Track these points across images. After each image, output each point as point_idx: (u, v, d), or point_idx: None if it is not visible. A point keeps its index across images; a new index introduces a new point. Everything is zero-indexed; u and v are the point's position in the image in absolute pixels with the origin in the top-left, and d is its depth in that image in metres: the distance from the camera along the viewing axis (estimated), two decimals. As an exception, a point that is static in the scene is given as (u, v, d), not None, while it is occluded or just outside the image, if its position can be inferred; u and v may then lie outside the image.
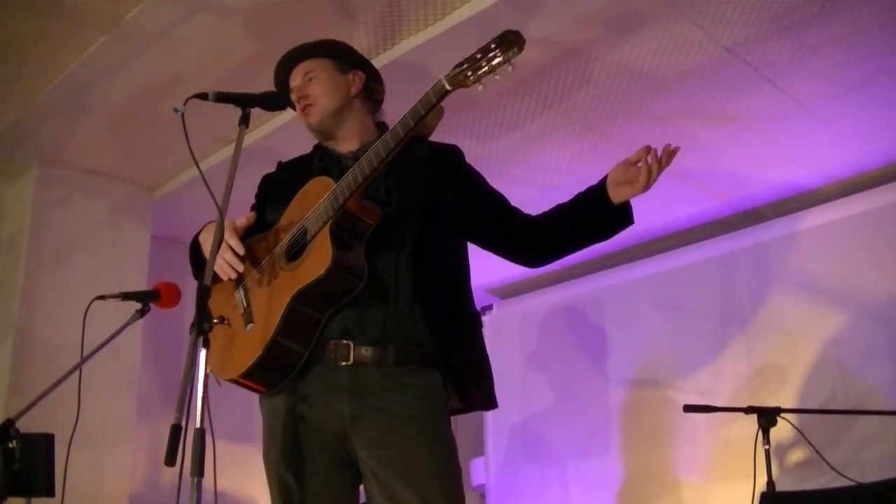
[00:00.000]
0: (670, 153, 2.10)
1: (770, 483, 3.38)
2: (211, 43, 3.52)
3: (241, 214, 2.38)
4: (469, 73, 1.89)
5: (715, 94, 3.87)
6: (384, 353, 2.06)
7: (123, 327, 2.52)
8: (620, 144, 4.21)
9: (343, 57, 2.34)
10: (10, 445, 2.29)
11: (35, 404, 2.40)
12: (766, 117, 4.03)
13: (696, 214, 4.94)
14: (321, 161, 2.30)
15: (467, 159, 2.35)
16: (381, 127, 2.33)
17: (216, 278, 2.14)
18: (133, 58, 3.62)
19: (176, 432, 1.66)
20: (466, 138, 4.08)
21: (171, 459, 1.65)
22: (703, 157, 4.35)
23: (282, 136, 4.03)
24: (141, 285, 4.32)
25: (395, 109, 2.29)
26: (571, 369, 5.32)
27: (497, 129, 4.13)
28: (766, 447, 3.43)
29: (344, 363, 2.05)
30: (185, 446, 1.66)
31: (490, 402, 2.20)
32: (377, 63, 3.39)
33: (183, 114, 2.05)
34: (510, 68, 1.89)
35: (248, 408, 2.63)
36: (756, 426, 3.46)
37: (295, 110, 2.34)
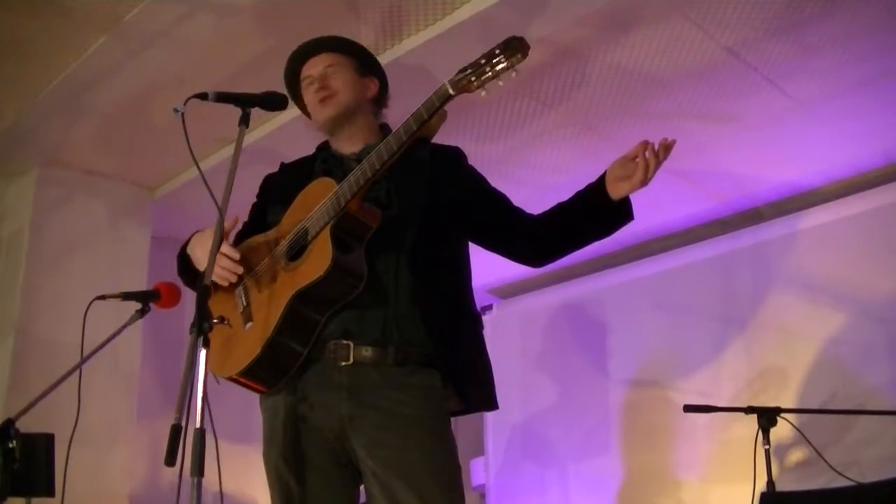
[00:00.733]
0: (667, 146, 2.10)
1: (770, 483, 3.38)
2: (211, 43, 3.52)
3: (241, 214, 2.38)
4: (473, 79, 1.89)
5: (715, 94, 3.87)
6: (384, 353, 2.06)
7: (123, 327, 2.52)
8: (620, 144, 4.19)
9: (364, 61, 2.35)
10: (10, 445, 2.29)
11: (35, 404, 2.40)
12: (766, 117, 4.03)
13: (696, 214, 4.94)
14: (324, 162, 2.31)
15: (468, 159, 2.35)
16: (384, 129, 2.34)
17: (216, 284, 2.15)
18: (133, 58, 3.62)
19: (176, 432, 1.67)
20: (466, 138, 4.08)
21: (171, 459, 1.65)
22: (703, 157, 4.35)
23: (282, 136, 4.03)
24: (141, 285, 4.32)
25: (397, 109, 2.30)
26: (571, 369, 5.32)
27: (497, 130, 4.13)
28: (766, 447, 3.43)
29: (343, 363, 2.06)
30: (185, 446, 1.66)
31: (490, 404, 2.20)
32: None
33: (183, 114, 2.05)
34: (514, 74, 1.89)
35: (248, 407, 2.63)
36: (756, 426, 3.46)
37: (294, 101, 2.34)
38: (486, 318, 5.72)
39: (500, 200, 2.33)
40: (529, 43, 1.90)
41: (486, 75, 1.89)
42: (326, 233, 2.03)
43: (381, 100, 2.37)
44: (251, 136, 3.97)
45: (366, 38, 3.47)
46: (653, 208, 4.88)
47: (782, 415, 3.48)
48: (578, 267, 5.46)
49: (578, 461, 5.15)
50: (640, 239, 5.19)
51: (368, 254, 2.08)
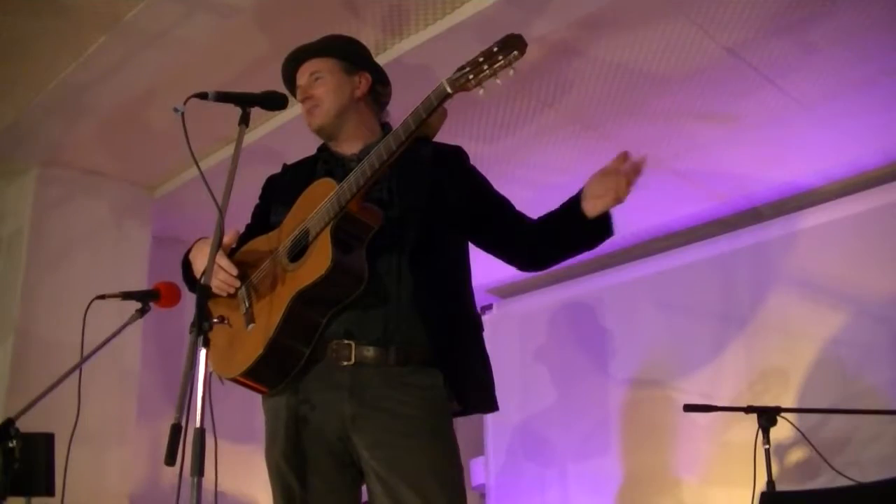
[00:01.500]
0: (636, 164, 2.09)
1: (770, 483, 3.38)
2: (211, 43, 3.52)
3: (242, 214, 2.38)
4: (471, 77, 1.89)
5: (715, 94, 3.87)
6: (385, 353, 2.06)
7: (123, 327, 2.52)
8: (620, 144, 4.20)
9: (351, 57, 2.33)
10: (10, 445, 2.29)
11: (35, 404, 2.40)
12: (766, 117, 4.03)
13: (696, 214, 4.94)
14: (325, 163, 2.30)
15: (469, 159, 2.35)
16: (385, 128, 2.33)
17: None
18: (133, 58, 3.62)
19: (176, 432, 1.67)
20: (467, 138, 4.08)
21: (171, 459, 1.65)
22: (704, 157, 4.35)
23: (282, 136, 4.03)
24: (141, 285, 4.32)
25: (398, 108, 2.29)
26: (571, 369, 5.32)
27: (497, 129, 4.13)
28: (766, 447, 3.43)
29: (345, 363, 2.06)
30: (185, 446, 1.66)
31: (489, 406, 2.20)
32: (380, 61, 3.40)
33: (183, 114, 2.05)
34: (511, 72, 1.89)
35: (248, 407, 2.64)
36: (756, 426, 3.46)
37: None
38: (486, 318, 5.70)
39: (501, 203, 2.32)
40: (530, 42, 1.90)
41: (484, 73, 1.88)
42: (327, 234, 2.03)
43: (376, 94, 2.34)
44: (251, 136, 3.97)
45: (366, 38, 3.47)
46: (653, 208, 4.88)
47: (782, 415, 3.48)
48: (578, 267, 5.46)
49: (578, 461, 5.15)
50: (640, 239, 5.19)
51: (370, 254, 2.08)
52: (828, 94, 3.85)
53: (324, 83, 2.27)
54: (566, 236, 2.23)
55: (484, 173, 2.37)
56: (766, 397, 4.25)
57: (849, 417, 3.87)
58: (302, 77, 2.31)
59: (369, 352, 2.06)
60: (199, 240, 2.29)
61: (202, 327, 1.81)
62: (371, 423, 2.03)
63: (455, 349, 2.11)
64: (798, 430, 3.63)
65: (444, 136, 2.33)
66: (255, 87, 2.25)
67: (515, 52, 1.86)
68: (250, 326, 2.13)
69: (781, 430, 3.59)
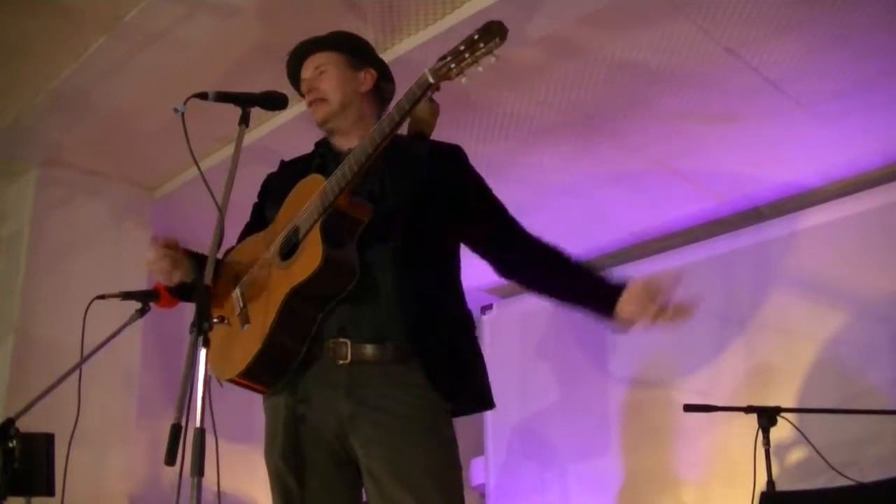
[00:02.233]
0: (685, 309, 2.12)
1: (770, 483, 3.38)
2: (211, 43, 3.52)
3: (242, 214, 2.38)
4: (452, 66, 1.88)
5: (715, 94, 3.87)
6: (382, 350, 2.05)
7: (123, 327, 2.52)
8: (620, 144, 4.21)
9: (357, 53, 2.33)
10: (10, 445, 2.30)
11: (35, 404, 2.41)
12: (766, 117, 4.03)
13: (696, 214, 4.94)
14: (321, 158, 2.30)
15: (468, 158, 2.34)
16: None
17: (213, 287, 2.13)
18: (133, 58, 3.62)
19: (176, 432, 1.67)
20: (466, 138, 4.08)
21: (171, 459, 1.65)
22: (703, 157, 4.35)
23: (282, 135, 4.03)
24: (141, 285, 4.30)
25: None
26: (571, 369, 5.31)
27: (497, 129, 4.13)
28: (766, 447, 3.43)
29: (342, 361, 2.05)
30: (185, 446, 1.66)
31: (482, 404, 2.17)
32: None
33: (183, 114, 2.05)
34: (493, 59, 1.87)
35: (249, 407, 2.63)
36: (756, 426, 3.46)
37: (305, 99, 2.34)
38: (486, 318, 5.78)
39: (495, 204, 2.30)
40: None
41: (465, 61, 1.87)
42: (316, 230, 2.03)
43: (380, 91, 2.34)
44: (251, 136, 3.97)
45: (366, 37, 3.47)
46: (653, 208, 4.88)
47: (782, 414, 3.48)
48: (578, 267, 5.46)
49: (578, 461, 5.14)
50: (640, 239, 5.18)
51: (360, 248, 2.07)
52: (828, 94, 3.85)
53: (329, 77, 2.27)
54: (578, 300, 2.33)
55: (483, 173, 2.37)
56: (766, 397, 4.24)
57: (849, 417, 3.87)
58: (307, 70, 2.30)
59: (366, 350, 2.05)
60: None
61: (202, 327, 1.81)
62: (367, 421, 2.02)
63: (438, 347, 2.08)
64: (798, 430, 3.62)
65: (444, 136, 2.33)
66: (256, 87, 2.25)
67: (497, 39, 1.85)
68: (246, 327, 2.12)
69: (781, 430, 3.58)
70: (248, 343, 2.08)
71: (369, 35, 3.46)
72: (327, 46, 2.31)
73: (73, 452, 2.71)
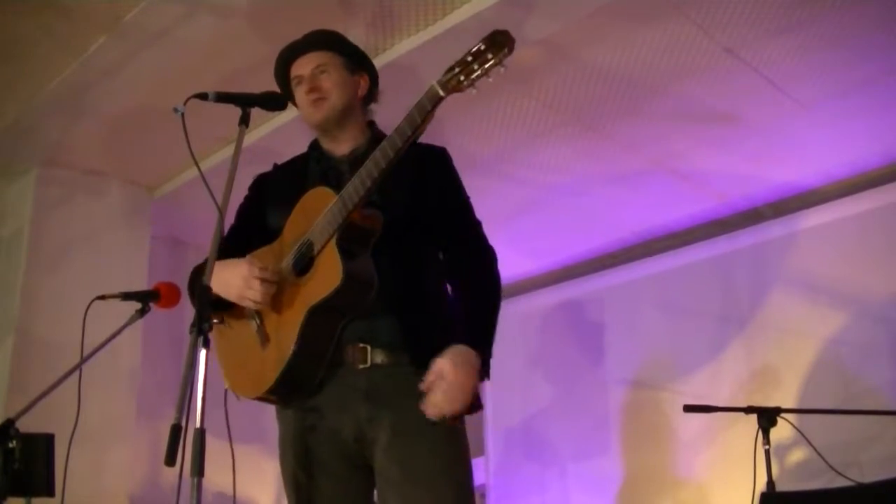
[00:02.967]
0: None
1: (770, 483, 3.38)
2: (211, 43, 3.52)
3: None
4: (462, 78, 1.86)
5: (715, 94, 3.87)
6: (399, 356, 2.08)
7: (123, 327, 2.52)
8: (620, 144, 4.21)
9: (353, 57, 2.31)
10: (10, 445, 2.30)
11: (35, 404, 2.40)
12: (766, 117, 4.03)
13: (696, 214, 4.94)
14: (318, 163, 2.29)
15: (467, 159, 2.34)
16: (371, 127, 2.32)
17: (229, 302, 2.12)
18: (133, 58, 3.62)
19: (176, 433, 1.67)
20: (466, 138, 4.08)
21: (171, 460, 1.65)
22: (703, 157, 4.35)
23: (282, 136, 4.03)
24: (141, 285, 4.31)
25: (393, 111, 2.29)
26: (571, 369, 5.32)
27: (497, 129, 4.13)
28: (766, 447, 3.43)
29: (362, 366, 2.07)
30: (185, 446, 1.66)
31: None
32: (376, 63, 3.39)
33: (183, 114, 2.05)
34: (502, 69, 1.86)
35: (252, 408, 2.63)
36: (756, 426, 3.46)
37: (290, 100, 2.31)
38: (486, 318, 5.76)
39: (455, 209, 2.25)
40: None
41: (476, 73, 1.85)
42: (333, 246, 2.02)
43: (371, 97, 2.34)
44: (251, 136, 3.96)
45: (361, 40, 3.47)
46: (653, 208, 4.88)
47: (782, 415, 3.48)
48: (578, 267, 5.46)
49: (578, 461, 5.14)
50: (640, 239, 5.18)
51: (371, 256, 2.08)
52: (828, 94, 3.85)
53: (330, 77, 2.24)
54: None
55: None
56: (766, 398, 4.24)
57: (849, 417, 3.87)
58: (303, 67, 2.26)
59: (384, 354, 2.08)
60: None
61: (202, 327, 1.81)
62: (385, 424, 2.05)
63: (433, 349, 2.07)
64: (798, 430, 3.62)
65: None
66: (255, 87, 2.25)
67: (505, 50, 1.83)
68: (265, 346, 2.12)
69: (781, 431, 3.58)
70: (268, 363, 2.08)
71: (365, 37, 3.46)
72: (326, 46, 2.29)
73: (73, 452, 2.71)
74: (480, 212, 2.30)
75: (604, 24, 3.38)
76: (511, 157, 4.35)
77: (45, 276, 4.38)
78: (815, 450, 3.59)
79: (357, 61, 2.31)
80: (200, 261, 2.21)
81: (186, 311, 1.93)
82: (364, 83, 2.30)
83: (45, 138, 4.23)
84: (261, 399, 2.14)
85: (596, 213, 4.85)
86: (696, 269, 4.90)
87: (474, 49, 1.86)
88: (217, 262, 2.09)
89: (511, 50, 1.84)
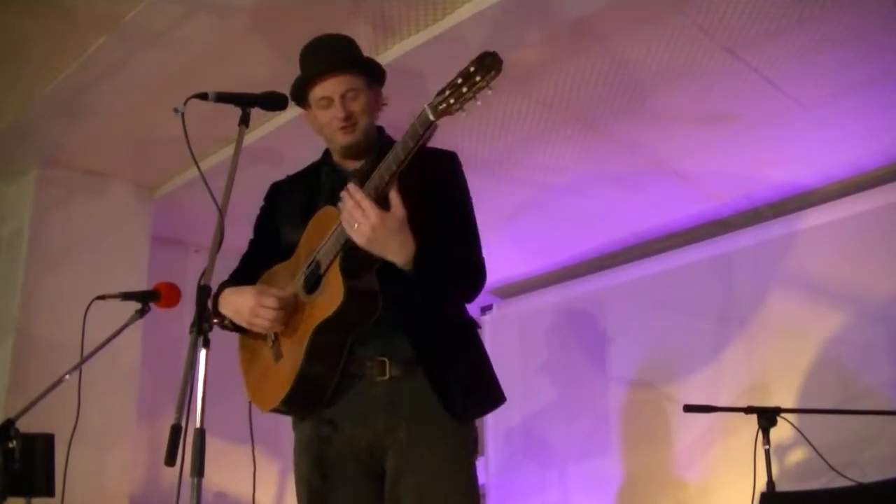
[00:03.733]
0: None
1: (770, 483, 3.38)
2: (211, 43, 3.52)
3: (242, 214, 2.38)
4: (452, 101, 1.88)
5: (715, 94, 3.87)
6: (414, 369, 2.12)
7: (123, 327, 2.52)
8: (620, 144, 4.21)
9: (373, 73, 2.32)
10: (10, 445, 2.30)
11: (35, 404, 2.41)
12: (766, 117, 4.03)
13: (696, 214, 4.94)
14: (328, 179, 2.32)
15: (467, 159, 2.33)
16: (381, 135, 2.34)
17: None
18: (133, 58, 3.61)
19: (176, 433, 1.67)
20: (466, 138, 4.08)
21: (171, 460, 1.65)
22: (703, 157, 4.35)
23: (282, 136, 4.03)
24: (141, 285, 4.32)
25: (398, 110, 2.29)
26: (571, 369, 5.32)
27: (497, 129, 4.13)
28: (766, 447, 3.43)
29: (380, 378, 2.13)
30: (185, 447, 1.66)
31: (487, 407, 2.24)
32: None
33: (183, 114, 2.05)
34: (489, 92, 1.87)
35: (250, 408, 2.63)
36: (756, 426, 3.46)
37: (298, 104, 2.31)
38: (486, 318, 5.78)
39: (457, 225, 2.25)
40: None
41: (465, 96, 1.87)
42: (336, 266, 2.07)
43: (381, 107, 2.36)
44: (251, 136, 3.97)
45: (365, 39, 3.47)
46: (653, 208, 4.88)
47: (782, 415, 3.48)
48: (578, 267, 5.46)
49: (578, 461, 5.14)
50: (640, 239, 5.19)
51: (379, 271, 2.10)
52: (828, 94, 3.85)
53: (359, 101, 2.25)
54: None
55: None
56: (766, 397, 4.25)
57: (849, 417, 3.87)
58: (332, 90, 2.23)
59: (401, 369, 2.13)
60: (228, 288, 2.27)
61: (202, 327, 1.81)
62: (402, 432, 2.11)
63: (438, 358, 2.14)
64: (798, 430, 3.62)
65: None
66: (255, 87, 2.25)
67: (493, 73, 1.85)
68: (279, 360, 2.20)
69: (781, 431, 3.58)
70: (281, 377, 2.16)
71: (367, 38, 3.46)
72: (354, 65, 2.27)
73: (73, 452, 2.71)
74: (480, 212, 2.30)
75: (604, 24, 3.38)
76: (511, 158, 4.35)
77: (45, 276, 4.38)
78: (815, 450, 3.59)
79: (375, 77, 2.32)
80: (223, 273, 2.28)
81: (186, 311, 1.93)
82: (380, 96, 2.33)
83: (45, 138, 4.23)
84: (276, 411, 2.22)
85: (596, 213, 4.85)
86: (696, 269, 4.90)
87: (463, 71, 1.87)
88: (230, 289, 2.23)
89: (499, 72, 1.85)
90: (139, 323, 2.61)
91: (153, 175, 4.66)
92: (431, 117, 1.90)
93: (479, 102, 1.89)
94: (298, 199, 2.31)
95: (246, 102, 2.15)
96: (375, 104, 2.30)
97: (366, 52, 2.41)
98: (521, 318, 5.65)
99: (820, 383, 4.26)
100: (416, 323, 2.14)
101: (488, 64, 1.85)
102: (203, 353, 1.80)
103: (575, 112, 4.00)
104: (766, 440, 3.43)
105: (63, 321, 4.13)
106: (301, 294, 2.17)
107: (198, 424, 1.75)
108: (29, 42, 3.56)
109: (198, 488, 1.72)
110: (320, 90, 2.24)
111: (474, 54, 1.90)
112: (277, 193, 2.42)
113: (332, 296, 2.06)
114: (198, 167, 2.11)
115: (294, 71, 2.30)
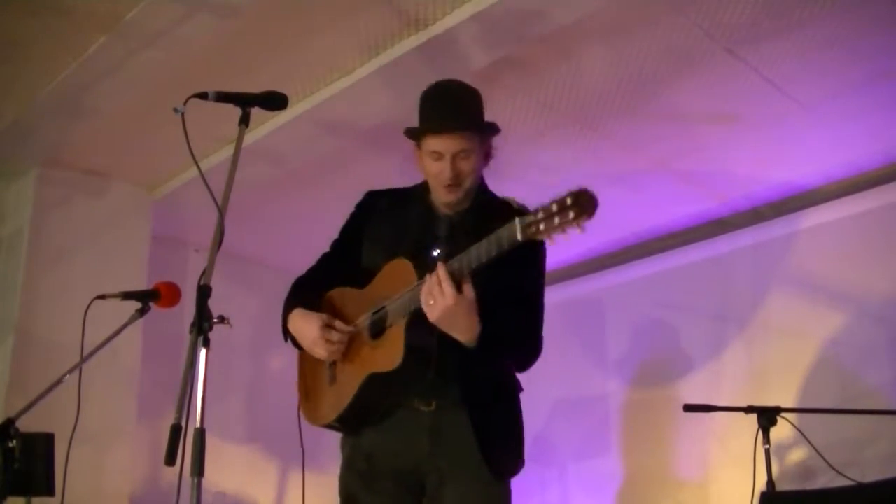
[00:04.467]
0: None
1: (770, 483, 3.38)
2: (211, 43, 3.52)
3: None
4: (542, 227, 1.81)
5: (715, 94, 3.86)
6: (460, 413, 2.22)
7: (123, 327, 2.52)
8: (620, 144, 4.21)
9: (487, 130, 2.33)
10: (10, 445, 2.30)
11: (35, 404, 2.41)
12: (766, 117, 4.02)
13: (696, 214, 4.94)
14: (420, 217, 2.34)
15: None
16: (481, 185, 2.38)
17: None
18: (133, 58, 3.61)
19: (176, 432, 1.67)
20: (466, 138, 4.08)
21: (171, 459, 1.65)
22: (703, 157, 4.35)
23: (282, 136, 4.03)
24: (141, 285, 4.32)
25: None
26: (571, 369, 5.32)
27: (497, 129, 4.12)
28: (766, 447, 3.43)
29: (426, 409, 2.23)
30: (185, 446, 1.66)
31: (512, 469, 2.40)
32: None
33: (183, 114, 2.05)
34: (579, 231, 1.80)
35: (251, 408, 2.63)
36: (756, 426, 3.46)
37: (408, 135, 2.32)
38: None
39: (517, 282, 2.25)
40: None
41: (555, 229, 1.80)
42: (401, 329, 2.13)
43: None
44: (251, 136, 3.97)
45: (371, 37, 3.47)
46: (653, 208, 4.88)
47: (782, 414, 3.48)
48: (578, 267, 5.46)
49: (578, 461, 5.15)
50: (640, 239, 5.18)
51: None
52: (828, 94, 3.85)
53: (470, 161, 2.27)
54: None
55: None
56: (766, 397, 4.24)
57: (849, 417, 3.87)
58: (447, 147, 2.24)
59: (447, 405, 2.22)
60: (298, 308, 2.33)
61: (202, 328, 1.81)
62: (444, 457, 2.21)
63: (484, 408, 2.24)
64: (798, 430, 3.63)
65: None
66: (255, 87, 2.25)
67: (585, 216, 1.78)
68: (332, 385, 2.32)
69: (781, 430, 3.59)
70: (332, 401, 2.32)
71: (374, 35, 3.44)
72: (473, 125, 2.28)
73: (73, 452, 2.72)
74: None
75: (604, 24, 3.38)
76: (511, 158, 4.34)
77: (45, 276, 4.38)
78: (815, 449, 3.60)
79: (487, 131, 2.32)
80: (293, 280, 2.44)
81: (186, 311, 1.93)
82: (490, 149, 2.35)
83: (45, 138, 4.23)
84: (326, 427, 2.36)
85: (596, 213, 4.84)
86: (696, 269, 4.90)
87: (560, 201, 1.81)
88: (298, 311, 2.31)
89: (591, 216, 1.79)
90: (139, 323, 2.61)
91: (153, 175, 4.66)
92: (519, 237, 1.86)
93: (565, 238, 1.82)
94: (388, 229, 2.35)
95: (246, 102, 2.15)
96: (485, 161, 2.33)
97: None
98: (521, 318, 5.64)
99: (820, 383, 4.27)
100: (467, 376, 2.21)
101: (584, 203, 1.79)
102: (203, 352, 1.80)
103: (575, 112, 4.00)
104: (766, 440, 3.43)
105: (63, 321, 4.13)
106: (365, 334, 2.26)
107: (198, 424, 1.75)
108: (29, 42, 3.56)
109: (198, 488, 1.72)
110: (433, 143, 2.25)
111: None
112: (370, 207, 2.44)
113: (391, 353, 2.14)
114: (198, 167, 2.11)
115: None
